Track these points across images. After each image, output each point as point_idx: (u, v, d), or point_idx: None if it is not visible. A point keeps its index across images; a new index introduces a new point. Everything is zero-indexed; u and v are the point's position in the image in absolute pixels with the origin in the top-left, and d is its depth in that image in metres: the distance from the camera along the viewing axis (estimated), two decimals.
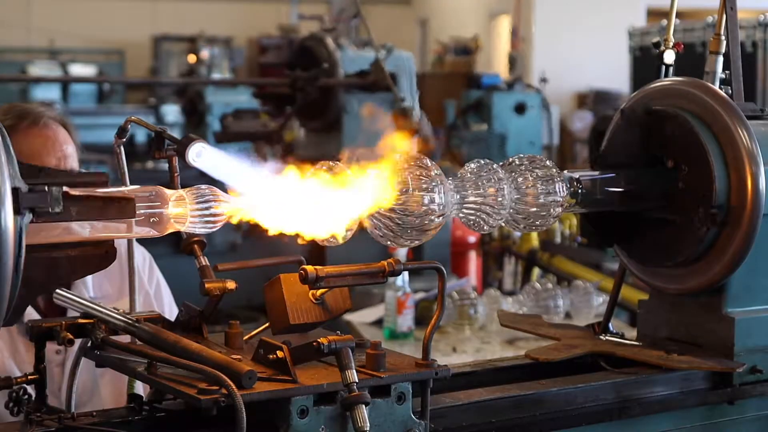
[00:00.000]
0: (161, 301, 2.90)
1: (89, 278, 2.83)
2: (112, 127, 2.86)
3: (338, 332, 1.89)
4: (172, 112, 12.29)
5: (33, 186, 1.63)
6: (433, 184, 2.01)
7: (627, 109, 2.49)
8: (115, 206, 1.76)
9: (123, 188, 1.84)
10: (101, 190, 1.77)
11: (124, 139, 2.17)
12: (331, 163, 1.93)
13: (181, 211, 1.82)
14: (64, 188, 1.68)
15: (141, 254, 2.88)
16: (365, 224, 2.00)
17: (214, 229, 1.87)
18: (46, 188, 1.64)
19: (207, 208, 1.84)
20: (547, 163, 2.26)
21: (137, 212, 1.78)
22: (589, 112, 13.61)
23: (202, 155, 1.88)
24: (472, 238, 6.54)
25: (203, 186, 1.86)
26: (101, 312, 1.93)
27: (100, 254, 1.85)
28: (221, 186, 1.86)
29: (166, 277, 3.01)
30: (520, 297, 4.93)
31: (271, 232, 1.87)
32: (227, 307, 3.22)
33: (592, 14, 14.99)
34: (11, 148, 1.63)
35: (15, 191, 1.59)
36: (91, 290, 2.80)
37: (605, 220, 2.47)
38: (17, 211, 1.59)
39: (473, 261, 6.64)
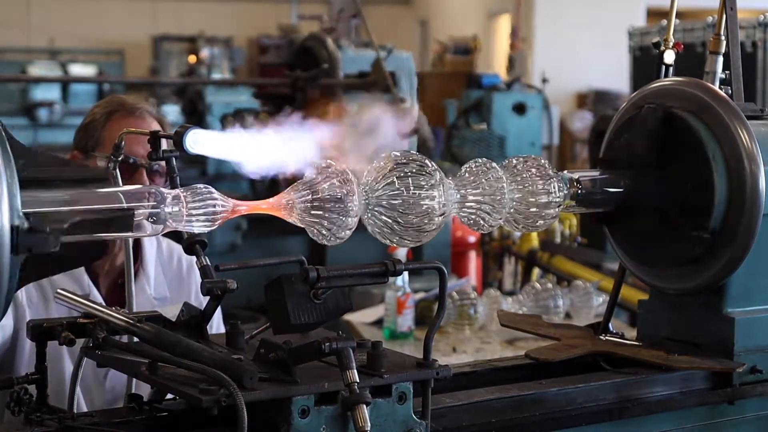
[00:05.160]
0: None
1: (152, 278, 2.87)
2: None
3: (339, 332, 1.89)
4: (172, 112, 12.28)
5: (32, 226, 1.61)
6: (434, 183, 2.02)
7: (627, 109, 2.50)
8: (113, 223, 1.77)
9: (123, 188, 1.85)
10: (99, 207, 1.76)
11: (120, 158, 2.19)
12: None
13: (178, 210, 1.83)
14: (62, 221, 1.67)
15: (186, 258, 2.90)
16: (365, 224, 2.01)
17: (212, 228, 1.87)
18: (47, 229, 1.61)
19: (204, 207, 1.84)
20: (546, 164, 2.27)
21: (137, 212, 1.79)
22: (589, 112, 13.59)
23: (198, 141, 1.89)
24: (472, 238, 6.53)
25: (200, 185, 1.86)
26: (102, 312, 1.94)
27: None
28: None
29: None
30: (520, 297, 4.92)
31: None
32: (227, 307, 3.23)
33: (592, 14, 14.98)
34: (16, 180, 1.61)
35: (14, 230, 1.58)
36: (153, 290, 2.86)
37: (605, 220, 2.48)
38: (15, 251, 1.59)
39: (473, 261, 6.62)
